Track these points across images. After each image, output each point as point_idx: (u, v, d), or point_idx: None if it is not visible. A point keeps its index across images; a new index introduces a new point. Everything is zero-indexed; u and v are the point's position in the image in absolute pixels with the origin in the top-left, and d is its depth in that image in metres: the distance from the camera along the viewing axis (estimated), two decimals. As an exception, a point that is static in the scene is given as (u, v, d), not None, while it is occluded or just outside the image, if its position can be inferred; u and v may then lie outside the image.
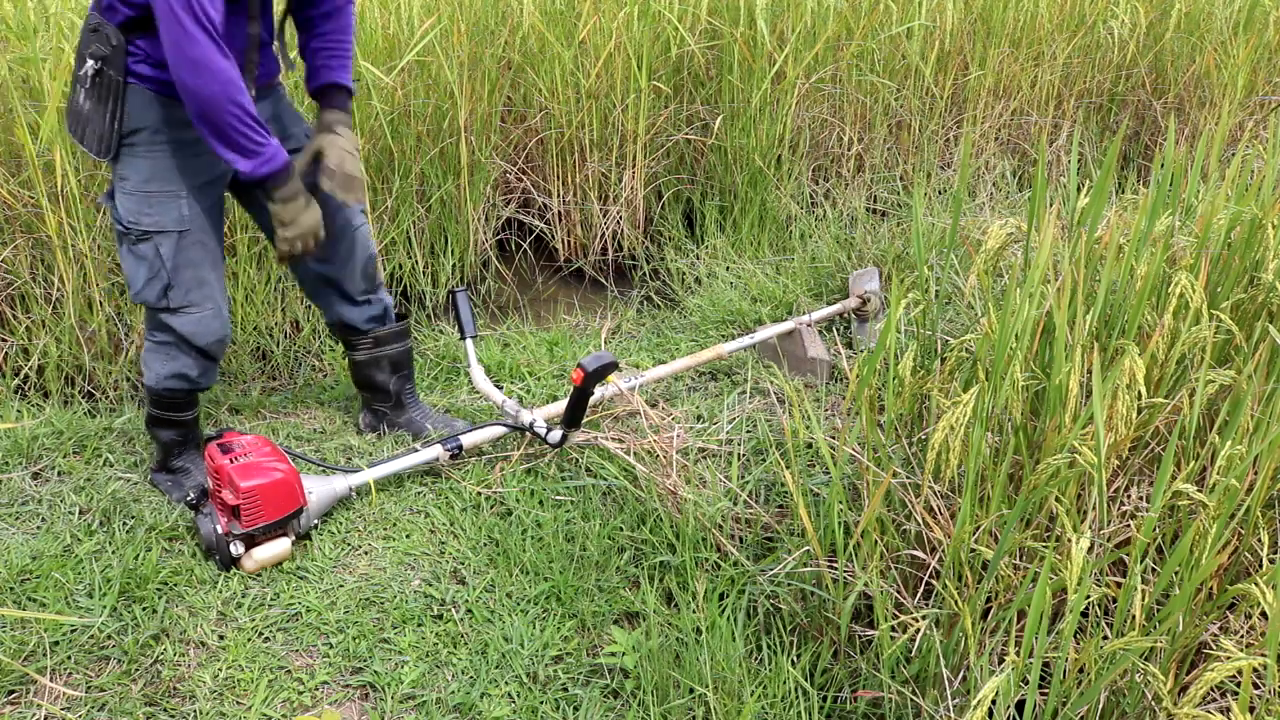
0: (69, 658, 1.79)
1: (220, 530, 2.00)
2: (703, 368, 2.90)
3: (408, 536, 2.16)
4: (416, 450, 2.30)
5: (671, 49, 3.67)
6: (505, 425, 2.37)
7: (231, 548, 2.00)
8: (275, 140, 1.94)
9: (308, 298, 2.46)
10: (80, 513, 2.18)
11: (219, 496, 2.00)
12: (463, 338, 2.56)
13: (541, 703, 1.75)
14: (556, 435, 2.31)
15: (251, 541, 2.01)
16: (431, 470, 2.36)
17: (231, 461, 1.99)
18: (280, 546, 2.04)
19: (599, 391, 2.41)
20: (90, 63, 1.90)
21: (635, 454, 2.31)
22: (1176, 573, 1.46)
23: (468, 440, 2.31)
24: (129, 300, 2.77)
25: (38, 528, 2.14)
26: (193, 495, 2.06)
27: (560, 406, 2.37)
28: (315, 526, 2.14)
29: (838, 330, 3.14)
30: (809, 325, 2.81)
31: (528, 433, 2.37)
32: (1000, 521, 1.61)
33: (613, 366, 2.20)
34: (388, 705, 1.75)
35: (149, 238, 2.00)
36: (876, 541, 1.66)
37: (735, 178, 3.76)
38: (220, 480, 1.99)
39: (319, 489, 2.12)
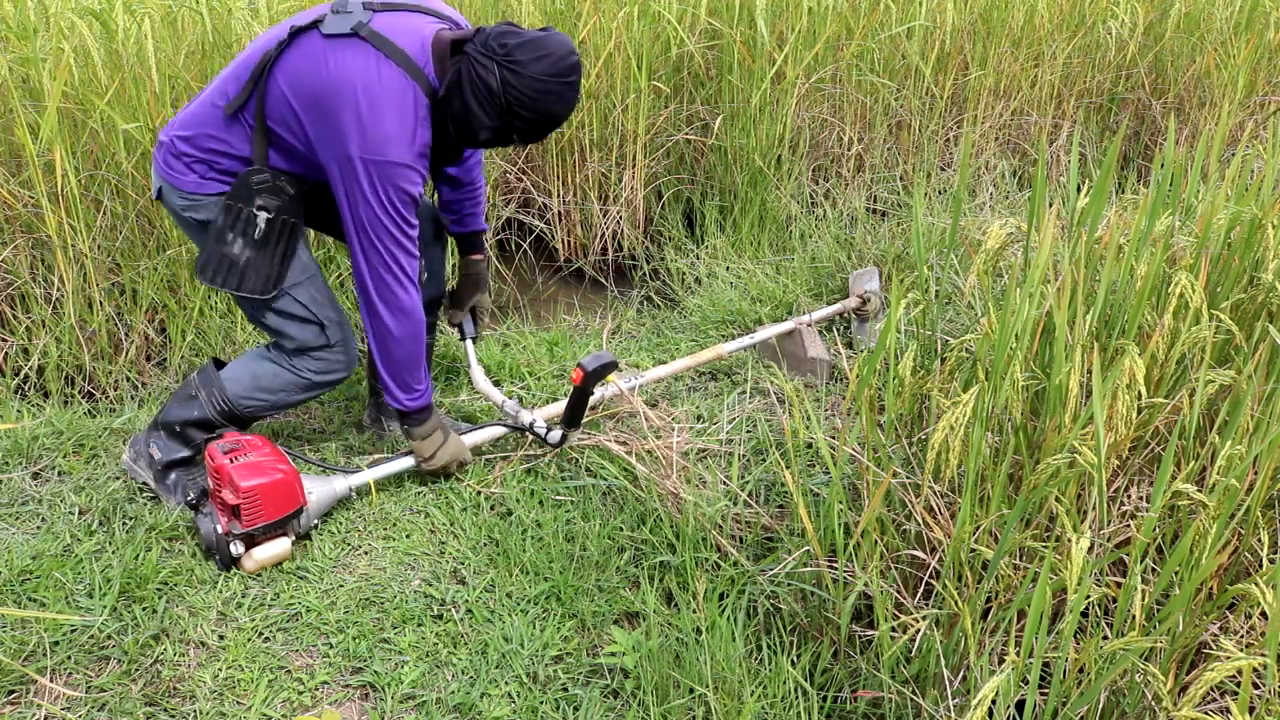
0: (69, 658, 1.79)
1: (220, 530, 1.99)
2: (703, 368, 2.90)
3: (408, 536, 2.16)
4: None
5: (671, 49, 3.67)
6: (505, 425, 2.36)
7: (231, 547, 1.99)
8: (430, 383, 2.15)
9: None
10: (80, 513, 2.18)
11: (219, 496, 1.99)
12: (462, 339, 2.56)
13: (541, 703, 1.75)
14: (556, 435, 2.30)
15: (251, 541, 2.00)
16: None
17: (232, 461, 1.98)
18: (280, 546, 2.03)
19: (599, 391, 2.41)
20: (263, 214, 1.99)
21: (637, 455, 2.31)
22: (1176, 573, 1.46)
23: (468, 439, 2.31)
24: (127, 307, 2.77)
25: (38, 528, 2.14)
26: (193, 495, 2.06)
27: (560, 407, 2.37)
28: (315, 526, 2.13)
29: (838, 330, 3.14)
30: (809, 325, 2.81)
31: (528, 433, 2.37)
32: (1000, 521, 1.61)
33: (612, 366, 2.20)
34: (388, 705, 1.75)
35: (284, 295, 2.11)
36: (876, 541, 1.66)
37: (735, 178, 3.76)
38: (220, 480, 1.98)
39: (319, 489, 2.11)
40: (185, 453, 2.20)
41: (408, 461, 2.26)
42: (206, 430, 2.20)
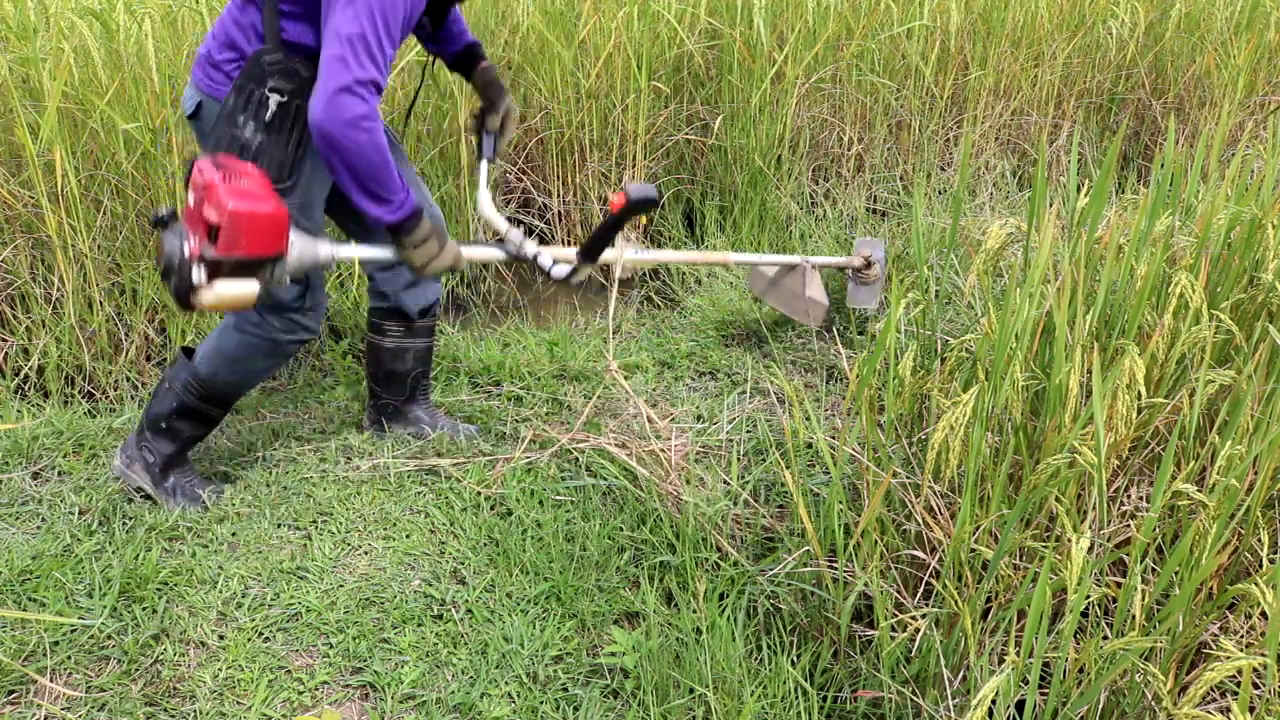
0: (69, 658, 1.79)
1: (188, 252, 1.78)
2: (708, 363, 2.90)
3: (408, 536, 2.16)
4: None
5: (671, 49, 3.67)
6: (506, 252, 2.20)
7: (195, 272, 1.79)
8: (408, 188, 1.95)
9: (371, 277, 2.42)
10: (80, 513, 2.18)
11: (199, 213, 1.79)
12: (479, 158, 2.38)
13: (541, 703, 1.75)
14: (562, 270, 2.18)
15: (216, 273, 1.81)
16: (431, 470, 2.36)
17: (224, 180, 1.79)
18: (246, 288, 1.83)
19: (605, 397, 2.37)
20: (275, 96, 1.92)
21: (637, 457, 2.31)
22: (1176, 573, 1.46)
23: (466, 252, 2.13)
24: (127, 307, 2.77)
25: (38, 528, 2.14)
26: (164, 211, 1.87)
27: (570, 253, 2.24)
28: (284, 286, 1.97)
29: (837, 329, 3.14)
30: (812, 267, 2.73)
31: (531, 267, 2.23)
32: (1000, 521, 1.61)
33: (655, 204, 2.04)
34: (388, 705, 1.75)
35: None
36: (876, 541, 1.66)
37: (735, 178, 3.76)
38: (206, 197, 1.78)
39: (302, 243, 1.93)
40: (174, 447, 2.20)
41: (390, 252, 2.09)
42: (192, 421, 2.20)
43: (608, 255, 2.27)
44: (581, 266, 2.19)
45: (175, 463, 2.23)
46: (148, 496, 2.23)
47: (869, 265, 2.90)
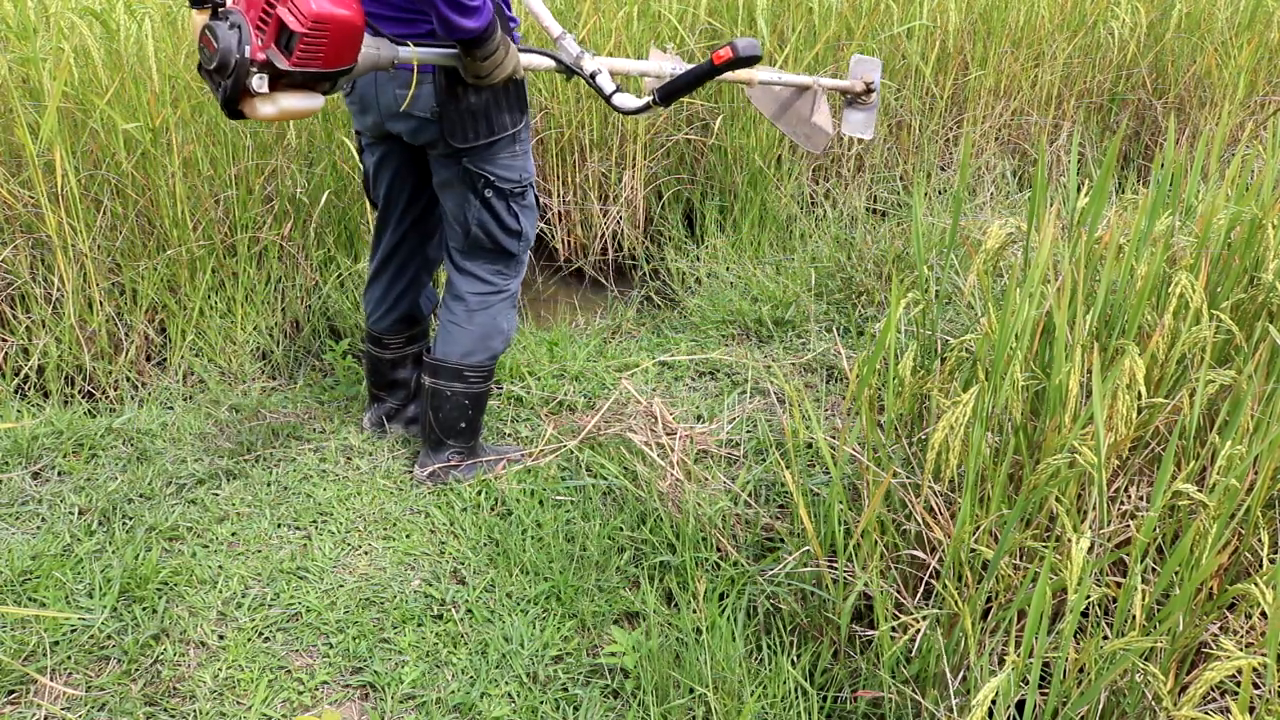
0: (69, 657, 1.79)
1: (249, 53, 1.58)
2: (708, 363, 2.90)
3: (408, 536, 2.16)
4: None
5: (670, 49, 3.67)
6: (560, 61, 2.03)
7: (254, 79, 1.59)
8: None
9: (403, 281, 2.37)
10: (80, 513, 2.18)
11: (270, 11, 1.57)
12: None
13: (541, 703, 1.75)
14: (628, 101, 2.01)
15: (277, 83, 1.62)
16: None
17: None
18: (312, 103, 1.68)
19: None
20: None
21: (658, 446, 2.32)
22: (1176, 573, 1.46)
23: (524, 60, 1.97)
24: (127, 307, 2.77)
25: (38, 528, 2.14)
26: None
27: (628, 65, 2.12)
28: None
29: (837, 329, 3.14)
30: (823, 91, 2.59)
31: (584, 80, 2.05)
32: (1000, 521, 1.61)
33: (758, 60, 1.89)
34: (388, 705, 1.75)
35: (532, 188, 2.16)
36: (876, 541, 1.66)
37: (735, 178, 3.76)
38: None
39: (367, 46, 1.73)
40: (476, 431, 2.32)
41: (452, 53, 1.89)
42: (483, 402, 2.31)
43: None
44: (654, 104, 2.01)
45: (479, 436, 2.36)
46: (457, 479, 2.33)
47: (869, 90, 2.73)
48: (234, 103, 1.63)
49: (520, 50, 1.95)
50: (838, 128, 2.72)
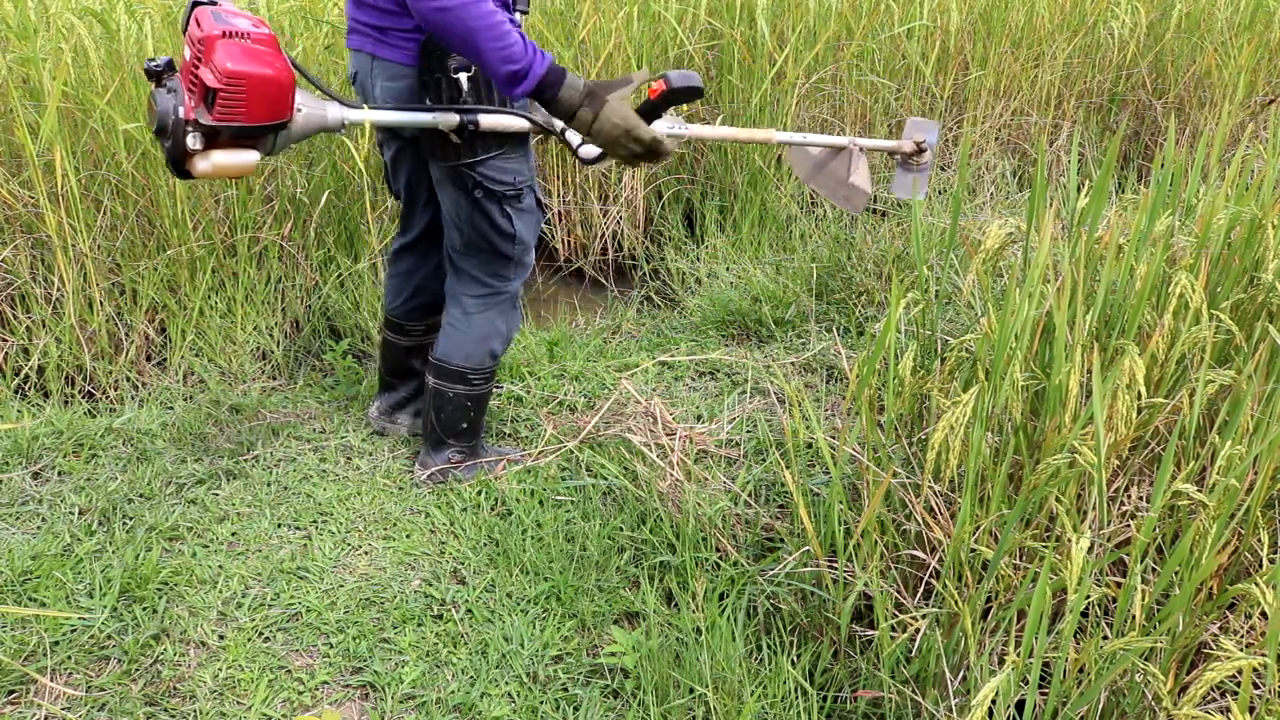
0: (69, 657, 1.79)
1: (183, 114, 1.66)
2: (708, 363, 2.90)
3: (408, 536, 2.16)
4: (429, 109, 1.94)
5: (671, 49, 3.67)
6: (532, 121, 2.02)
7: (189, 138, 1.67)
8: (528, 42, 1.80)
9: (426, 269, 2.36)
10: (80, 513, 2.18)
11: (196, 74, 1.64)
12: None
13: (541, 703, 1.75)
14: (591, 151, 2.10)
15: (213, 140, 1.69)
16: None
17: (225, 36, 1.63)
18: (245, 158, 1.71)
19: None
20: (463, 74, 1.90)
21: (658, 446, 2.31)
22: (1176, 573, 1.46)
23: (485, 120, 1.96)
24: (127, 307, 2.77)
25: (38, 528, 2.14)
26: (159, 63, 1.72)
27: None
28: (286, 151, 1.84)
29: (837, 329, 3.14)
30: (861, 151, 2.60)
31: (554, 137, 2.12)
32: (1000, 521, 1.61)
33: (697, 94, 1.93)
34: (388, 705, 1.75)
35: (529, 190, 2.12)
36: (876, 541, 1.66)
37: (735, 178, 3.76)
38: (205, 53, 1.63)
39: (310, 106, 1.79)
40: (477, 431, 2.32)
41: (418, 117, 1.92)
42: (484, 403, 2.30)
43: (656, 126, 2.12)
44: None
45: (481, 437, 2.36)
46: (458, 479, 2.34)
47: (920, 151, 2.71)
48: (179, 162, 1.72)
49: (496, 113, 1.96)
50: (877, 187, 2.70)
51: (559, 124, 2.05)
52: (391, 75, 1.96)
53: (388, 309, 2.43)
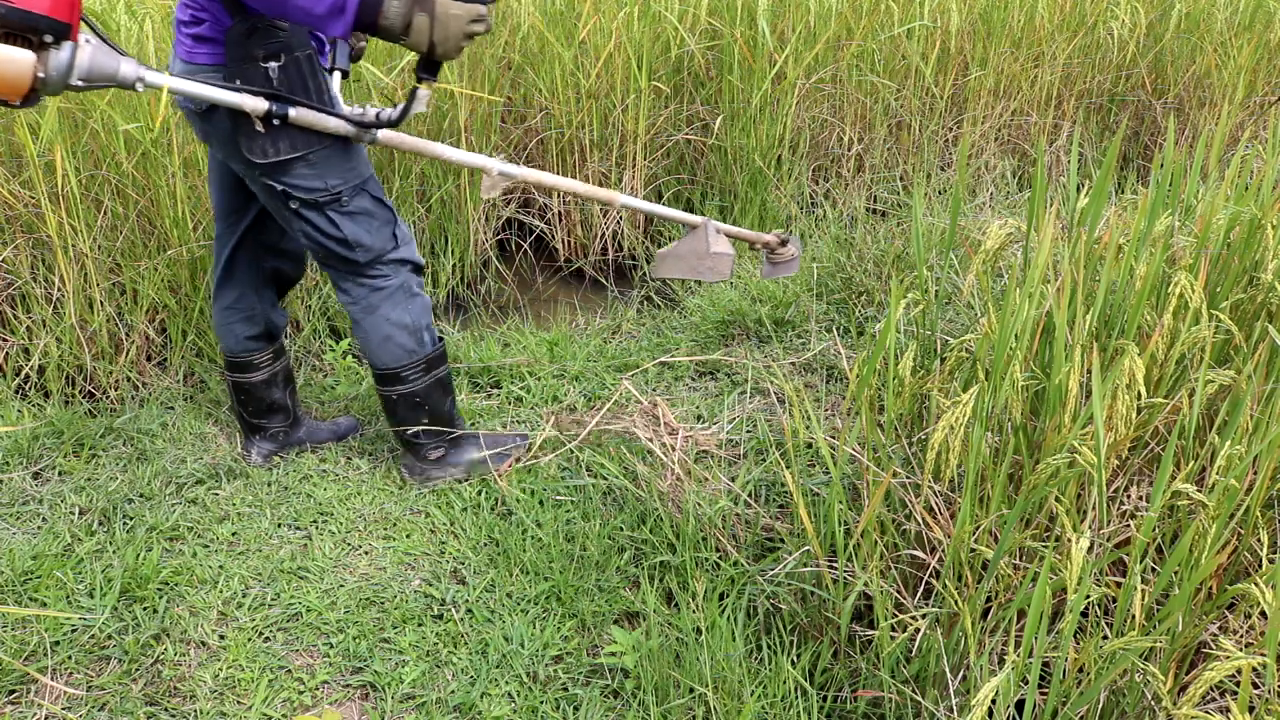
0: (70, 657, 1.80)
1: None
2: (708, 363, 2.90)
3: (408, 536, 2.16)
4: (236, 88, 1.80)
5: (671, 49, 3.67)
6: (349, 121, 1.90)
7: None
8: None
9: (237, 302, 2.26)
10: (80, 513, 2.18)
11: None
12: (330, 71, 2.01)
13: (541, 702, 1.75)
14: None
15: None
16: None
17: None
18: (18, 56, 1.55)
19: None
20: (272, 64, 1.80)
21: (661, 446, 2.31)
22: (1176, 573, 1.46)
23: (295, 113, 1.84)
24: (128, 307, 2.78)
25: (38, 528, 2.14)
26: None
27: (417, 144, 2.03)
28: (61, 86, 1.64)
29: (837, 329, 3.14)
30: (716, 230, 2.49)
31: (365, 142, 1.96)
32: (1000, 521, 1.61)
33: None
34: (388, 705, 1.75)
35: (359, 191, 1.98)
36: (876, 541, 1.66)
37: (735, 178, 3.76)
38: None
39: (101, 50, 1.68)
40: (450, 428, 2.24)
41: (226, 95, 1.78)
42: (438, 392, 2.21)
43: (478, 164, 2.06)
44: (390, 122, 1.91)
45: (459, 420, 2.28)
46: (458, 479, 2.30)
47: (784, 243, 2.64)
48: None
49: (306, 106, 1.84)
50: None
51: (370, 135, 1.92)
52: (201, 80, 1.81)
53: (225, 351, 2.30)
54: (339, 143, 1.92)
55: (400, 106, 1.90)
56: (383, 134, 1.95)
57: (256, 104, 1.79)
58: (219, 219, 2.19)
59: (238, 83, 1.79)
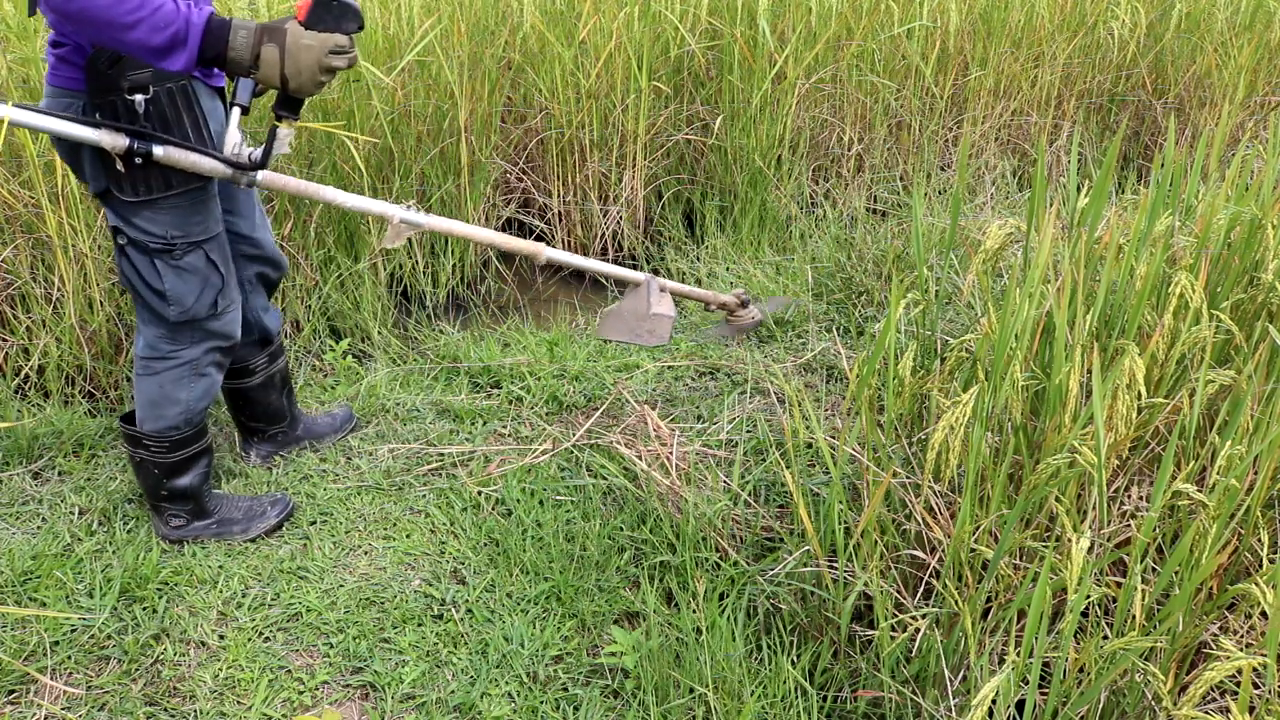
0: (69, 657, 1.80)
1: None
2: (708, 363, 2.90)
3: (408, 536, 2.16)
4: (93, 122, 1.67)
5: (671, 49, 3.67)
6: (224, 161, 1.78)
7: None
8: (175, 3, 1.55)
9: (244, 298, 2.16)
10: (80, 513, 2.18)
11: None
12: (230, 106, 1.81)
13: (541, 703, 1.75)
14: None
15: None
16: (435, 469, 2.36)
17: None
18: None
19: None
20: (139, 95, 1.68)
21: (645, 459, 2.30)
22: (1176, 573, 1.46)
23: (161, 151, 1.71)
24: (128, 307, 2.77)
25: (38, 528, 2.14)
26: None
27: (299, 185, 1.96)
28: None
29: (837, 329, 3.14)
30: (661, 290, 2.41)
31: (242, 184, 1.84)
32: (1000, 521, 1.61)
33: (354, 13, 1.66)
34: (388, 705, 1.75)
35: (196, 248, 1.84)
36: (876, 541, 1.66)
37: (735, 178, 3.76)
38: None
39: None
40: (193, 495, 2.07)
41: (80, 131, 1.66)
42: (184, 469, 2.03)
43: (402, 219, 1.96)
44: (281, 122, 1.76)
45: (204, 496, 2.10)
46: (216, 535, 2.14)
47: (743, 304, 2.48)
48: None
49: (175, 145, 1.72)
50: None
51: (247, 176, 1.81)
52: (63, 104, 1.70)
53: None
54: (196, 193, 1.80)
55: (262, 148, 1.78)
56: (263, 176, 1.85)
57: (115, 140, 1.66)
58: None
59: (97, 116, 1.67)
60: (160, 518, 2.10)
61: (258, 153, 1.79)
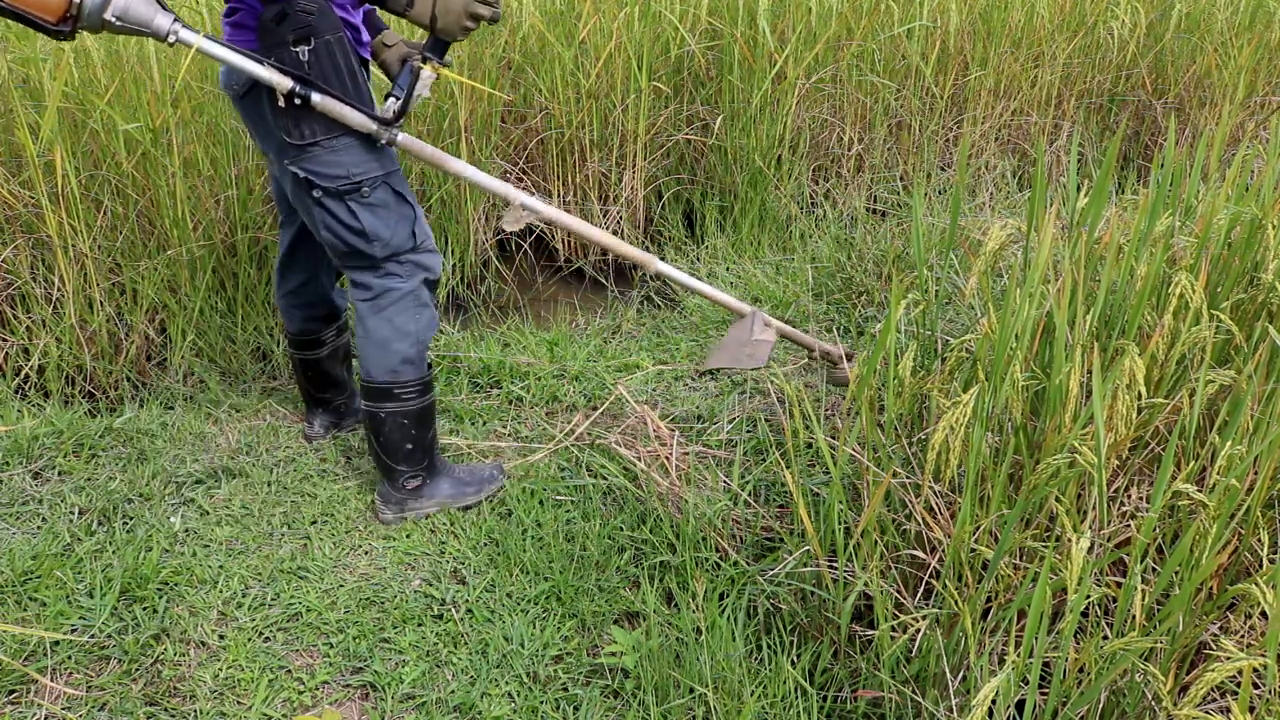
0: (69, 657, 1.80)
1: None
2: (698, 373, 2.90)
3: (408, 536, 2.16)
4: (265, 62, 1.81)
5: (672, 49, 3.67)
6: (369, 116, 1.89)
7: None
8: None
9: (300, 288, 2.30)
10: (80, 513, 2.18)
11: None
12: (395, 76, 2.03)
13: (542, 702, 1.75)
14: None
15: None
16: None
17: None
18: None
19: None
20: (303, 48, 1.81)
21: (643, 460, 2.30)
22: (1176, 573, 1.46)
23: (318, 99, 1.84)
24: (127, 307, 2.77)
25: (38, 528, 2.14)
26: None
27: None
28: (106, 30, 1.70)
29: (837, 329, 3.14)
30: (766, 323, 2.43)
31: (381, 144, 1.95)
32: (1000, 521, 1.61)
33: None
34: (388, 705, 1.75)
35: (380, 183, 1.95)
36: (876, 541, 1.66)
37: (735, 178, 3.76)
38: None
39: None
40: (427, 452, 2.16)
41: (255, 68, 1.80)
42: (423, 421, 2.12)
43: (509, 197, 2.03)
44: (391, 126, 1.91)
45: (437, 453, 2.21)
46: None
47: (849, 358, 2.51)
48: None
49: (331, 95, 1.84)
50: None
51: (389, 134, 1.91)
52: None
53: (289, 332, 2.36)
54: (362, 134, 1.91)
55: (403, 91, 1.89)
56: (403, 139, 1.94)
57: (282, 81, 1.81)
58: (281, 208, 2.23)
59: (270, 61, 1.81)
60: (394, 483, 2.17)
61: (393, 103, 1.91)
